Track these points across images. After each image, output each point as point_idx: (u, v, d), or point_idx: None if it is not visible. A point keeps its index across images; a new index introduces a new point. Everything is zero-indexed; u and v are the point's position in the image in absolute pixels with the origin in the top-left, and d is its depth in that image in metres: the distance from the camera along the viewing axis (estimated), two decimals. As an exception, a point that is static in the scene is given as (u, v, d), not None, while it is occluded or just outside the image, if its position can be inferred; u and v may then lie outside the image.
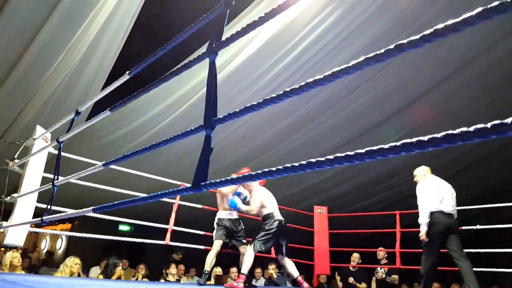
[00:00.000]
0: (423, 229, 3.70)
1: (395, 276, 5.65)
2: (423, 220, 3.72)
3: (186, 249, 5.20)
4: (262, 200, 4.09)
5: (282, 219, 4.06)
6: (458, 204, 3.94)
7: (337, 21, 4.57)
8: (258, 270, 6.37)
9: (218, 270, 5.63)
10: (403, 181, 7.93)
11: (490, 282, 7.27)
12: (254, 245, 3.85)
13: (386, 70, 5.23)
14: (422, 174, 4.06)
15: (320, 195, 7.88)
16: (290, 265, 4.06)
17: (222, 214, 4.32)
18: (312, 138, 6.45)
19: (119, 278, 4.97)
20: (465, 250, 3.73)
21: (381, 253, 5.89)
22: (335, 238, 5.79)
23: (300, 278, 4.02)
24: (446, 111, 6.33)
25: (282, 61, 4.90)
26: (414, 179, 4.11)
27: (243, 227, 4.34)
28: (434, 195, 3.80)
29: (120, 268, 5.04)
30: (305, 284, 3.91)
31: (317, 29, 4.60)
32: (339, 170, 7.24)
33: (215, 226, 4.32)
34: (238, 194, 4.16)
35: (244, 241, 4.25)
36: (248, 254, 3.85)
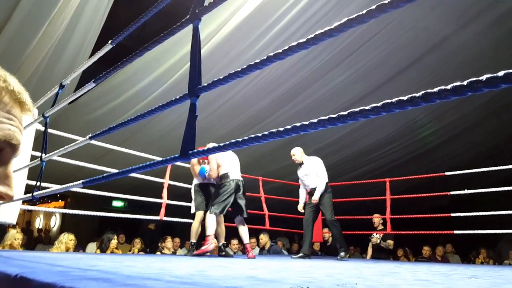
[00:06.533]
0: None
1: (390, 241, 5.80)
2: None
3: (182, 223, 5.25)
4: (217, 159, 4.19)
5: (239, 179, 4.18)
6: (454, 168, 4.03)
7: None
8: (252, 240, 6.50)
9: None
10: (393, 151, 8.05)
11: (478, 245, 7.49)
12: (210, 210, 4.02)
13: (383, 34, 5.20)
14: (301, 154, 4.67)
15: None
16: (243, 230, 4.22)
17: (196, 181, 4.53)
18: (310, 105, 6.38)
19: (113, 252, 5.04)
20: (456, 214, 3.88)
21: (376, 219, 6.00)
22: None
23: (248, 246, 4.19)
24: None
25: (271, 31, 4.80)
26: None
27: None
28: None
29: (114, 242, 5.09)
30: (250, 254, 4.09)
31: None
32: (332, 141, 7.29)
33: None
34: (204, 170, 4.32)
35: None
36: (207, 219, 4.01)
